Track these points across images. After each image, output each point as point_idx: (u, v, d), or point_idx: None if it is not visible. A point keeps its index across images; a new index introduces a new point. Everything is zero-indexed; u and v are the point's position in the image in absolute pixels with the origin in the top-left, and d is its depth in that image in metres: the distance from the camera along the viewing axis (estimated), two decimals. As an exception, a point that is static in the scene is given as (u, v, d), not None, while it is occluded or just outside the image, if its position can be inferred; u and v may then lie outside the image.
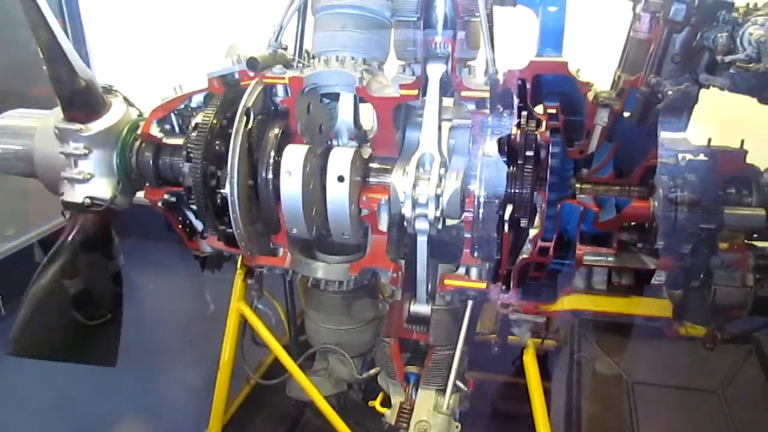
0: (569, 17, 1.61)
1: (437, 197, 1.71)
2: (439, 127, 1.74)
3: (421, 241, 1.71)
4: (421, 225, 1.72)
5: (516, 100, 1.72)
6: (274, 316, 2.11)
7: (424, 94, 1.76)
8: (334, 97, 1.80)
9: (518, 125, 1.70)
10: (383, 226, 1.76)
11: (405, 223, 1.73)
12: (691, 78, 1.48)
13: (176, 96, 1.80)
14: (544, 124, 1.74)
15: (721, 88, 1.44)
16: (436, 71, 1.70)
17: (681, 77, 1.49)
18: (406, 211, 1.71)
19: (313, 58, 1.81)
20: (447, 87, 1.73)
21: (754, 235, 1.66)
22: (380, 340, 1.90)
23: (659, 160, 1.68)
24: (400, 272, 1.79)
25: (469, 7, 1.61)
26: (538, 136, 1.72)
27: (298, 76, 1.72)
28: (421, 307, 1.83)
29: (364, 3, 1.69)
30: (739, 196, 1.67)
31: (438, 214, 1.71)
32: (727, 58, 1.37)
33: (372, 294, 2.00)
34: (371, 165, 1.82)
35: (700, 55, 1.47)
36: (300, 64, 1.80)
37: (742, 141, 1.68)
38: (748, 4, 1.45)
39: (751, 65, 1.36)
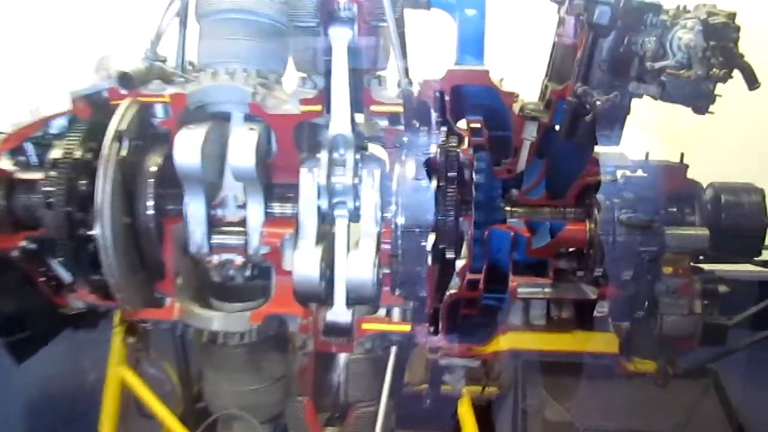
0: (490, 21, 1.64)
1: (354, 187, 1.69)
2: (352, 105, 1.69)
3: (341, 232, 1.70)
4: (341, 216, 1.71)
5: (434, 115, 1.76)
6: (164, 381, 2.03)
7: (329, 111, 1.72)
8: (226, 117, 1.74)
9: (438, 143, 1.75)
10: (289, 265, 1.71)
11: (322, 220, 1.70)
12: (620, 87, 1.52)
13: (32, 121, 1.72)
14: (466, 140, 1.82)
15: (654, 97, 1.50)
16: (341, 37, 1.62)
17: (610, 86, 1.53)
18: (323, 203, 1.70)
19: (199, 71, 1.76)
20: (356, 56, 1.67)
21: (700, 257, 1.76)
22: (292, 399, 1.86)
23: (594, 177, 1.81)
24: (311, 318, 1.76)
25: (374, 11, 1.60)
26: (461, 154, 1.79)
27: (180, 93, 1.69)
28: (340, 315, 1.76)
29: (257, 7, 1.65)
30: (682, 214, 1.78)
31: (358, 204, 1.71)
32: (657, 65, 1.43)
33: (280, 346, 1.89)
34: (271, 194, 1.79)
35: (629, 62, 1.51)
36: (182, 79, 1.75)
37: (682, 155, 1.80)
38: (678, 6, 1.50)
39: (681, 72, 1.41)
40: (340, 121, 1.70)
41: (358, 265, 1.71)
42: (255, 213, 1.79)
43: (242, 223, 1.77)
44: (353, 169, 1.71)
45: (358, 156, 1.73)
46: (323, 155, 1.72)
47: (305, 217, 1.73)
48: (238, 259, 1.77)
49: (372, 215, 1.74)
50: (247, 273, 1.78)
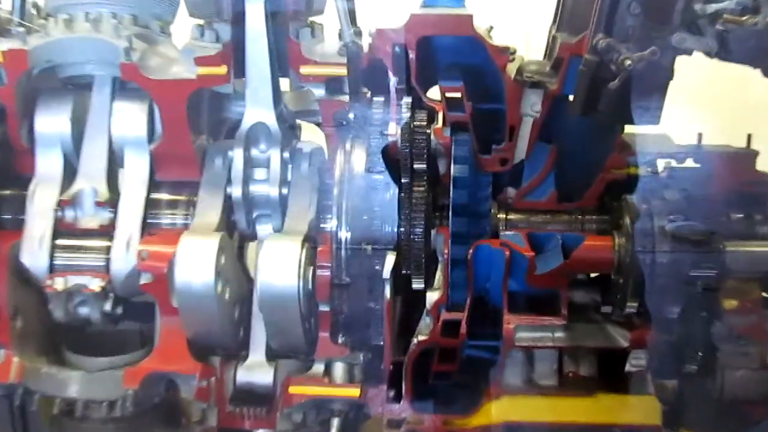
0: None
1: (282, 197, 1.76)
2: (275, 76, 1.74)
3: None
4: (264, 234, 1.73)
5: (393, 80, 1.74)
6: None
7: (241, 75, 1.73)
8: (86, 83, 1.75)
9: (399, 121, 1.72)
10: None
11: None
12: (660, 39, 1.44)
13: None
14: (440, 117, 1.79)
15: (708, 54, 1.44)
16: None
17: (644, 39, 1.45)
18: (238, 218, 1.75)
19: (47, 17, 1.73)
20: (280, 16, 1.72)
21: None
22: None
23: (624, 170, 1.77)
24: (214, 378, 1.74)
25: None
26: (433, 136, 1.76)
27: (17, 50, 1.64)
28: (257, 372, 1.77)
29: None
30: (750, 223, 1.70)
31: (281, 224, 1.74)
32: (711, 8, 1.37)
33: (169, 420, 1.80)
34: (154, 197, 1.79)
35: (671, 4, 1.43)
36: (22, 29, 1.71)
37: (749, 137, 1.74)
38: (738, -74, 1.37)
39: (745, 19, 1.33)
40: (259, 104, 1.72)
41: (282, 298, 1.65)
42: (128, 219, 1.73)
43: (105, 231, 1.72)
44: (280, 172, 1.74)
45: (286, 154, 1.76)
46: (237, 154, 1.73)
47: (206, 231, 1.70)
48: (94, 284, 1.66)
49: (303, 228, 1.72)
50: (107, 307, 1.70)
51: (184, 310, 1.67)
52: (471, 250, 1.74)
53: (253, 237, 1.80)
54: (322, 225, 1.76)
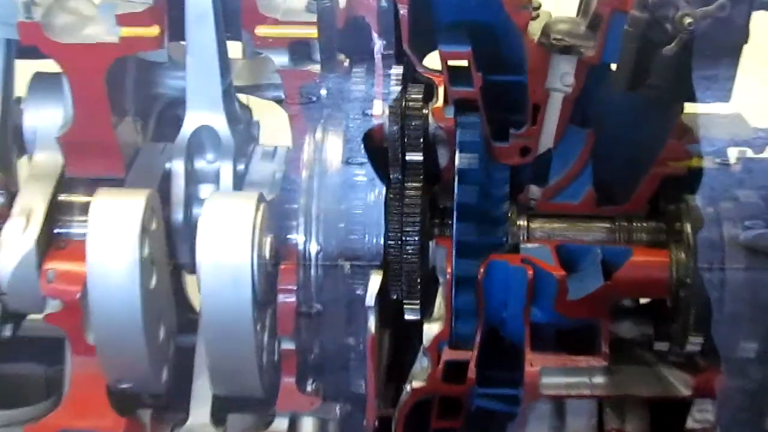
0: None
1: None
2: (224, 66, 1.75)
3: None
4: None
5: (378, 44, 1.75)
6: None
7: (178, 37, 1.73)
8: None
9: (386, 97, 1.73)
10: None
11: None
12: None
13: None
14: (440, 92, 1.77)
15: None
16: None
17: None
18: (179, 247, 1.80)
19: None
20: None
21: None
22: None
23: (686, 162, 1.75)
24: None
25: None
26: (431, 118, 1.75)
27: None
28: None
29: None
30: None
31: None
32: None
33: None
34: (61, 199, 1.78)
35: None
36: None
37: None
38: None
39: None
40: (203, 100, 1.76)
41: (231, 276, 1.64)
42: (24, 223, 1.72)
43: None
44: (233, 189, 1.80)
45: (241, 165, 1.83)
46: (176, 167, 1.79)
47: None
48: None
49: (255, 241, 1.70)
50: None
51: (102, 328, 1.65)
52: (482, 269, 1.71)
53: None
54: (285, 235, 1.73)
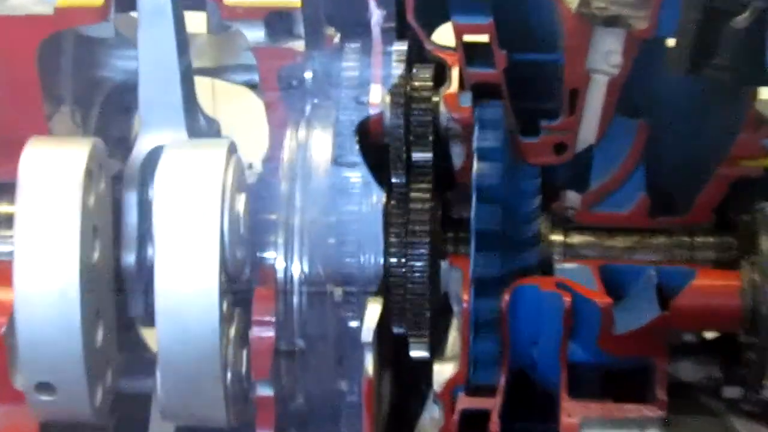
0: None
1: None
2: (186, 85, 1.77)
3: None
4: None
5: (376, 15, 1.76)
6: None
7: (126, 8, 1.74)
8: None
9: (387, 82, 1.75)
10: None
11: None
12: None
13: None
14: (454, 75, 1.78)
15: None
16: None
17: None
18: (131, 296, 1.80)
19: None
20: None
21: None
22: None
23: (761, 161, 1.77)
24: None
25: None
26: (442, 107, 1.76)
27: None
28: None
29: None
30: None
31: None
32: None
33: None
34: None
35: None
36: None
37: None
38: None
39: None
40: (160, 115, 1.77)
41: (192, 373, 1.64)
42: None
43: None
44: None
45: None
46: (126, 199, 1.77)
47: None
48: None
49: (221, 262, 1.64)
50: None
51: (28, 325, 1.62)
52: (507, 295, 1.70)
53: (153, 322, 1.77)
54: (260, 254, 1.75)
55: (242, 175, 1.72)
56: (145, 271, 1.75)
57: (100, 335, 1.73)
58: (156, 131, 1.76)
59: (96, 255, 1.66)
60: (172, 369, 1.67)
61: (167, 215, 1.63)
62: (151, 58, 1.73)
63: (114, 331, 1.79)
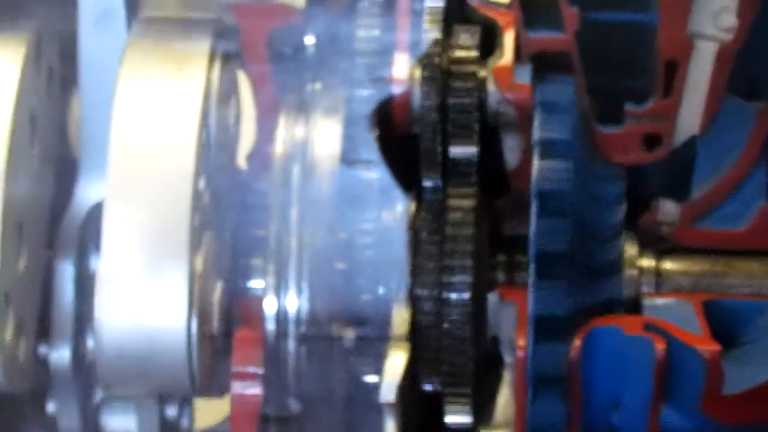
0: None
1: None
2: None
3: None
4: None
5: None
6: None
7: None
8: None
9: (414, 50, 1.79)
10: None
11: None
12: None
13: None
14: (507, 41, 1.80)
15: None
16: None
17: None
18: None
19: None
20: None
21: None
22: None
23: None
24: None
25: None
26: (491, 85, 1.78)
27: None
28: None
29: None
30: None
31: None
32: None
33: None
34: None
35: None
36: None
37: None
38: None
39: None
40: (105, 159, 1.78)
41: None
42: None
43: None
44: None
45: None
46: (60, 271, 1.87)
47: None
48: None
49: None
50: None
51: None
52: (579, 340, 1.68)
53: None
54: (243, 283, 1.78)
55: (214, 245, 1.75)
56: (82, 372, 1.78)
57: None
58: (101, 179, 1.75)
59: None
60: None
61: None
62: (96, 76, 1.78)
63: None
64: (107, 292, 1.69)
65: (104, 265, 1.70)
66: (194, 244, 1.71)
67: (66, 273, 1.79)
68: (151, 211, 1.74)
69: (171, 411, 1.95)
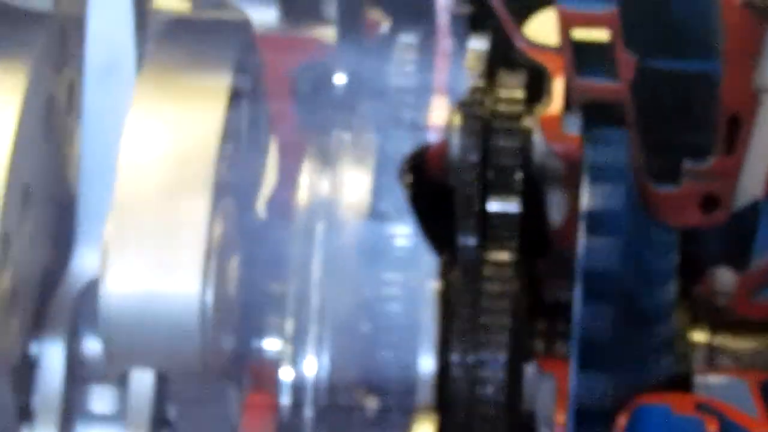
0: None
1: None
2: None
3: None
4: None
5: None
6: None
7: None
8: None
9: (454, 92, 1.78)
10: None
11: None
12: None
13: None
14: (555, 85, 1.81)
15: None
16: None
17: None
18: None
19: None
20: None
21: None
22: None
23: None
24: None
25: None
26: (536, 134, 1.80)
27: None
28: None
29: None
30: None
31: None
32: None
33: None
34: None
35: None
36: None
37: None
38: None
39: None
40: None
41: None
42: None
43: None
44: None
45: None
46: (50, 355, 1.75)
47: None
48: None
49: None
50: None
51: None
52: (623, 419, 1.67)
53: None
54: (256, 345, 1.70)
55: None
56: None
57: None
58: (98, 248, 1.67)
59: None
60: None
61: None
62: (98, 138, 1.70)
63: None
64: (114, 257, 1.56)
65: (112, 227, 1.58)
66: (213, 204, 1.59)
67: (54, 359, 1.66)
68: (165, 167, 1.62)
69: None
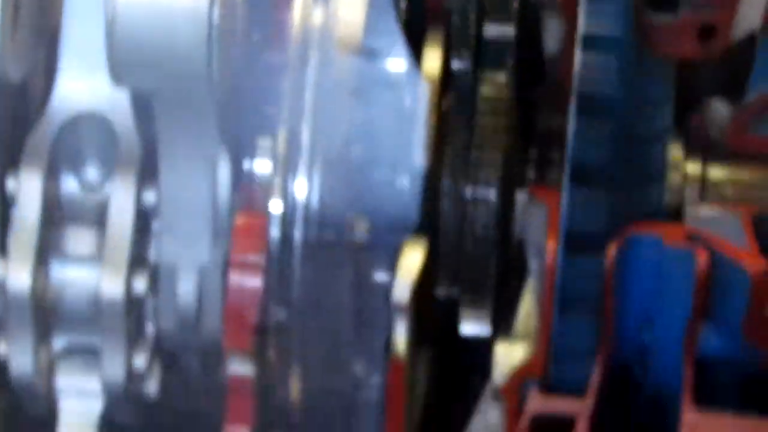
0: None
1: None
2: None
3: None
4: None
5: None
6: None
7: None
8: None
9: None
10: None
11: None
12: None
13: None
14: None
15: None
16: None
17: None
18: None
19: None
20: None
21: None
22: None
23: None
24: None
25: None
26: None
27: None
28: None
29: None
30: None
31: None
32: None
33: None
34: None
35: None
36: None
37: None
38: None
39: None
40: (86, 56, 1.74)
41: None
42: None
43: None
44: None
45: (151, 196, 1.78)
46: (27, 186, 1.73)
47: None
48: None
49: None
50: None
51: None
52: (615, 248, 1.62)
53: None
54: (248, 161, 1.70)
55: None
56: (41, 308, 1.69)
57: None
58: (80, 84, 1.70)
59: None
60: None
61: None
62: None
63: None
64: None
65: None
66: None
67: (31, 191, 1.66)
68: None
69: (139, 361, 1.78)
